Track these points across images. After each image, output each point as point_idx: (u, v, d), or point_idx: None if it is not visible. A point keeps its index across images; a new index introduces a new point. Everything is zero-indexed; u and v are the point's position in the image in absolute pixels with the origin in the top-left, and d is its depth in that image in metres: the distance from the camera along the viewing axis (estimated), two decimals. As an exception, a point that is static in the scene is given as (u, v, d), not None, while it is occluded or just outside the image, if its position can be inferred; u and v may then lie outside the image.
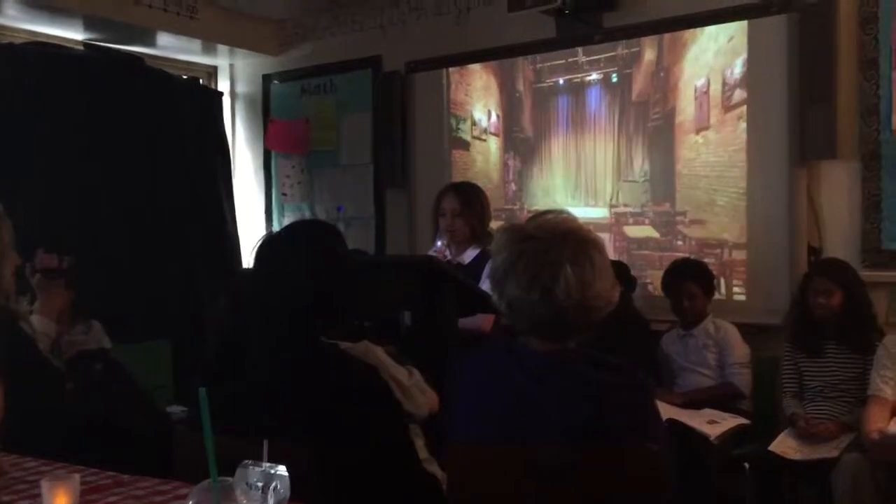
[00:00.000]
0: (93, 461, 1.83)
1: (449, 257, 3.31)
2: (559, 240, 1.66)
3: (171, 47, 5.14)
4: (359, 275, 2.07)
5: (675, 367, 3.74)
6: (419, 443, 2.21)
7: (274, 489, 1.17)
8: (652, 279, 4.15)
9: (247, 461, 1.20)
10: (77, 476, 1.47)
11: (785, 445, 3.19)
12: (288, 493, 1.20)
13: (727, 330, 3.65)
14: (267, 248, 1.89)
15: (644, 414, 1.67)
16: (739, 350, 3.62)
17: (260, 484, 1.18)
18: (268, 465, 1.20)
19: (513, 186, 4.59)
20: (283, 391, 1.77)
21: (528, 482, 1.63)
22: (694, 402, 3.51)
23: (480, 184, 4.25)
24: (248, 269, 1.94)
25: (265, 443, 1.25)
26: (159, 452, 2.08)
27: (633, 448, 1.62)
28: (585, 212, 4.35)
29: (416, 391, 2.10)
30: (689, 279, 3.69)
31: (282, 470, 1.19)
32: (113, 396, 2.36)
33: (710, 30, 3.95)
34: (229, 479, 1.17)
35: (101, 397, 2.33)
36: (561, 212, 1.75)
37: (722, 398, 3.55)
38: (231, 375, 1.87)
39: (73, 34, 4.75)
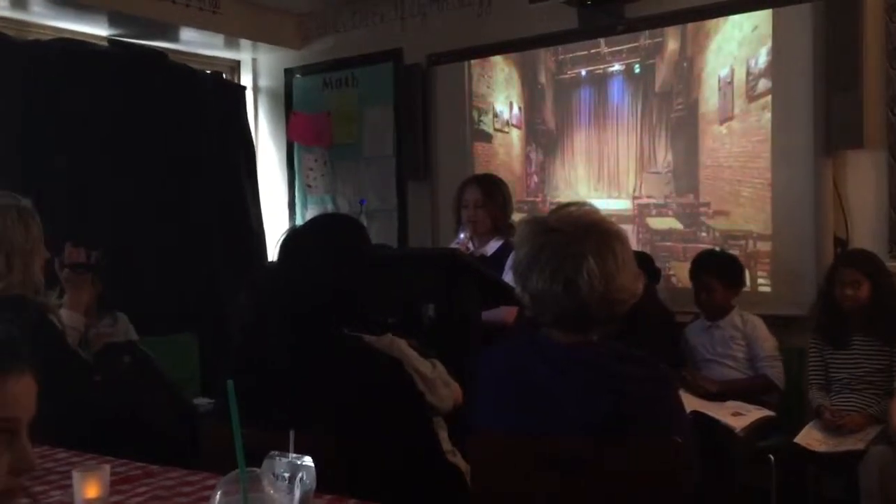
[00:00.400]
0: (121, 452, 1.86)
1: (472, 249, 3.32)
2: (582, 232, 1.66)
3: (195, 42, 5.18)
4: (381, 269, 2.08)
5: (699, 358, 3.71)
6: (443, 434, 2.22)
7: (300, 480, 1.19)
8: (675, 271, 4.13)
9: (274, 452, 1.22)
10: (107, 467, 1.50)
11: (810, 437, 3.17)
12: (314, 484, 1.21)
13: (755, 324, 3.61)
14: (290, 242, 1.91)
15: (667, 406, 1.67)
16: (769, 343, 3.58)
17: (287, 475, 1.19)
18: (294, 455, 1.21)
19: (535, 178, 4.58)
20: (308, 384, 1.79)
21: (551, 475, 1.64)
22: (729, 391, 3.49)
23: (503, 176, 4.25)
24: (271, 264, 1.96)
25: (291, 434, 1.26)
26: (186, 444, 2.11)
27: (657, 440, 1.62)
28: (608, 203, 4.34)
29: (440, 383, 2.10)
30: (709, 272, 3.65)
31: (308, 461, 1.20)
32: (140, 388, 2.40)
33: (734, 19, 3.92)
34: (256, 469, 1.18)
35: (129, 389, 2.36)
36: (583, 204, 1.75)
37: (756, 390, 3.53)
38: (256, 368, 1.89)
39: (97, 30, 4.80)
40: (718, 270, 3.65)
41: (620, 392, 1.64)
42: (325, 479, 1.67)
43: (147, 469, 1.73)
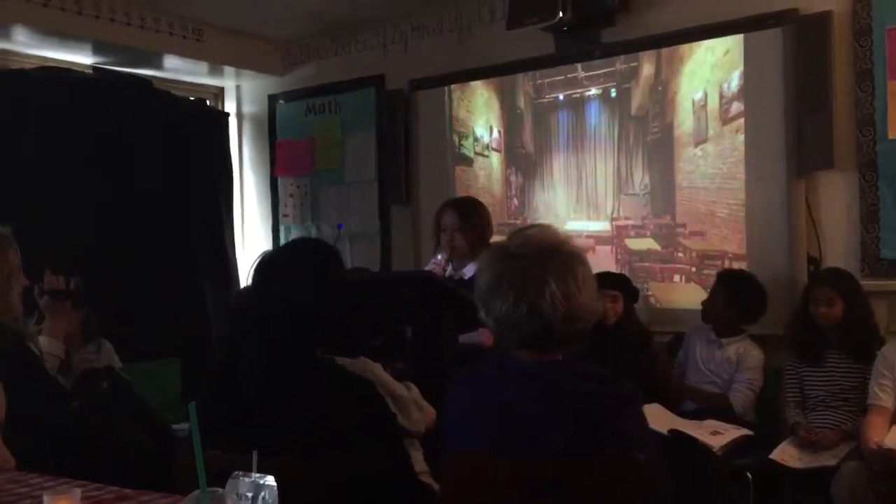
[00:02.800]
0: (99, 477, 1.88)
1: (449, 272, 3.36)
2: (542, 256, 1.70)
3: (179, 69, 5.24)
4: (355, 291, 2.12)
5: (692, 365, 3.77)
6: (417, 455, 2.25)
7: (262, 499, 1.22)
8: (654, 291, 4.18)
9: (237, 472, 1.25)
10: (78, 490, 1.52)
11: (785, 454, 3.21)
12: (276, 503, 1.24)
13: (751, 351, 3.65)
14: (263, 266, 1.95)
15: (630, 424, 1.70)
16: (752, 371, 3.62)
17: (249, 494, 1.22)
18: (257, 475, 1.24)
19: (515, 201, 4.64)
20: (279, 405, 1.82)
21: (517, 494, 1.67)
22: (691, 397, 3.67)
23: (483, 199, 4.31)
24: (246, 288, 2.00)
25: (254, 454, 1.30)
26: (163, 468, 2.13)
27: (619, 458, 1.66)
28: (587, 225, 4.40)
29: (413, 407, 2.14)
30: (719, 282, 3.70)
31: (270, 480, 1.23)
32: (118, 414, 2.42)
33: (707, 44, 4.00)
34: (219, 489, 1.21)
35: (107, 415, 2.38)
36: (543, 226, 1.79)
37: (713, 407, 3.59)
38: (231, 391, 1.92)
39: (82, 58, 4.85)
40: (727, 283, 3.69)
41: (584, 410, 1.67)
42: (296, 500, 1.70)
43: (120, 493, 1.75)
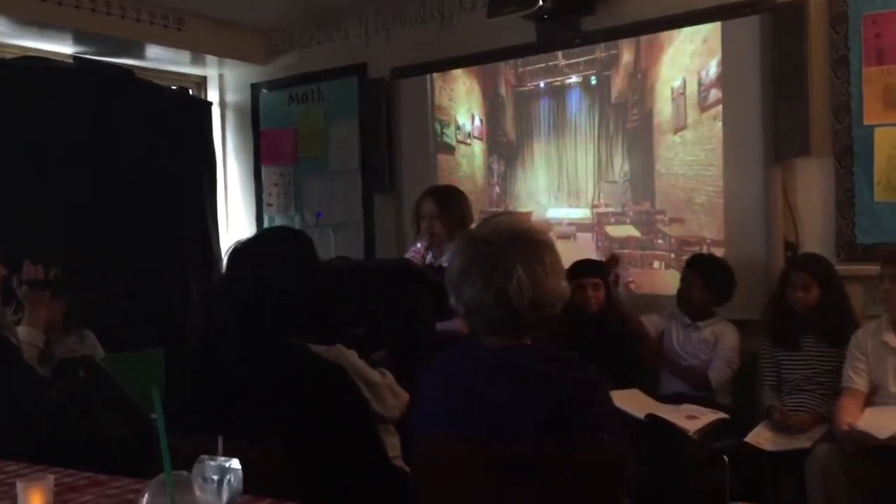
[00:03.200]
0: (76, 466, 1.91)
1: (429, 259, 3.38)
2: (510, 242, 1.73)
3: (161, 59, 5.23)
4: (330, 278, 2.14)
5: (670, 350, 3.81)
6: (393, 441, 2.28)
7: (228, 482, 1.24)
8: (634, 277, 4.22)
9: (203, 456, 1.27)
10: (51, 477, 1.54)
11: (760, 437, 3.25)
12: (241, 486, 1.27)
13: (728, 330, 3.71)
14: (237, 253, 1.97)
15: (596, 407, 1.73)
16: (729, 349, 3.68)
17: (215, 477, 1.25)
18: (222, 459, 1.27)
19: (497, 189, 4.66)
20: (253, 392, 1.84)
21: (486, 477, 1.69)
22: (667, 367, 3.74)
23: (465, 187, 4.33)
24: (220, 275, 2.02)
25: (220, 438, 1.32)
26: (141, 456, 2.15)
27: (586, 441, 1.69)
28: (569, 212, 4.43)
29: (388, 392, 2.16)
30: (693, 268, 3.74)
31: (235, 464, 1.26)
32: (95, 402, 2.44)
33: (686, 31, 4.02)
34: (184, 472, 1.24)
35: (84, 403, 2.40)
36: (513, 213, 1.82)
37: (689, 379, 3.67)
38: (206, 377, 1.94)
39: (62, 48, 4.83)
40: (702, 268, 3.73)
41: (551, 393, 1.71)
42: (270, 484, 1.73)
43: (94, 478, 1.78)
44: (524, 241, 1.74)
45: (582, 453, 1.69)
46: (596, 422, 1.71)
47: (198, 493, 1.21)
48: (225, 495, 1.24)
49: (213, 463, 1.26)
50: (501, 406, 1.69)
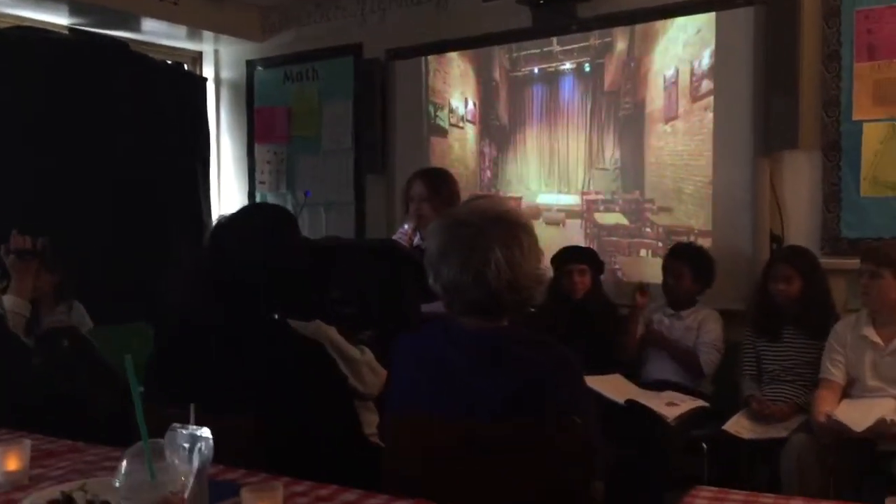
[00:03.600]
0: (59, 433, 1.93)
1: (417, 241, 3.40)
2: (489, 224, 1.75)
3: (156, 32, 5.22)
4: (314, 256, 2.17)
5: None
6: (371, 418, 2.32)
7: (199, 450, 1.27)
8: (621, 265, 4.25)
9: (175, 424, 1.30)
10: (28, 441, 1.57)
11: (739, 425, 3.29)
12: (211, 454, 1.29)
13: (712, 316, 3.75)
14: (220, 229, 1.98)
15: (567, 388, 1.76)
16: (714, 333, 3.72)
17: (187, 445, 1.27)
18: (193, 427, 1.29)
19: (488, 173, 4.68)
20: (232, 367, 1.87)
21: (459, 455, 1.72)
22: (660, 344, 3.73)
23: (457, 170, 4.36)
24: (202, 250, 2.04)
25: (192, 406, 1.35)
26: (123, 426, 2.17)
27: (558, 421, 1.71)
28: (558, 198, 4.45)
29: (366, 369, 2.19)
30: (681, 259, 3.77)
31: (205, 432, 1.28)
32: (78, 371, 2.46)
33: (680, 21, 4.03)
34: (160, 440, 1.26)
35: (67, 372, 2.43)
36: (492, 196, 1.84)
37: (683, 361, 3.69)
38: (184, 349, 1.97)
39: (58, 19, 4.83)
40: (689, 258, 3.77)
41: (526, 375, 1.73)
42: (247, 456, 1.76)
43: (73, 445, 1.81)
44: (503, 224, 1.76)
45: (552, 433, 1.72)
46: (567, 402, 1.74)
47: (172, 459, 1.23)
48: (196, 462, 1.26)
49: (184, 431, 1.29)
50: (475, 385, 1.71)
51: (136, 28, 5.08)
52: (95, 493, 1.41)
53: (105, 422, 2.38)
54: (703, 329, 3.73)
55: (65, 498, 1.39)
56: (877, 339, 3.10)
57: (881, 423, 2.84)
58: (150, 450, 1.25)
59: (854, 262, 3.34)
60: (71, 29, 4.91)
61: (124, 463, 1.24)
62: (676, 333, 3.78)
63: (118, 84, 4.79)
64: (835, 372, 3.16)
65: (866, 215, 3.63)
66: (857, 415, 2.94)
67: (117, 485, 1.22)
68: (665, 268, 3.82)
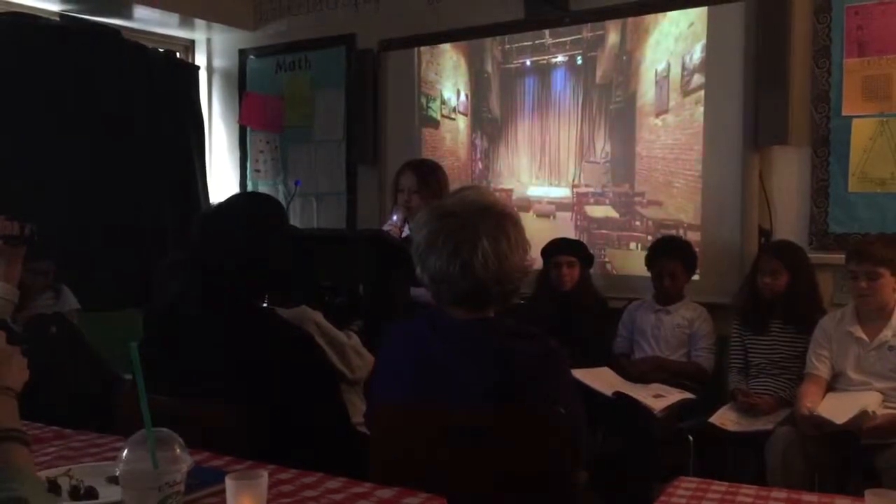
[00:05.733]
0: (45, 419, 1.94)
1: (405, 232, 3.40)
2: (476, 215, 1.76)
3: (149, 20, 5.20)
4: (299, 244, 2.17)
5: (641, 337, 3.85)
6: (360, 405, 2.33)
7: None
8: (611, 258, 4.26)
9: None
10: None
11: (724, 417, 3.32)
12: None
13: (703, 315, 3.77)
14: (208, 217, 1.99)
15: (553, 380, 1.77)
16: (709, 337, 3.74)
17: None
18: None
19: (479, 165, 4.69)
20: (219, 354, 1.87)
21: (443, 443, 1.74)
22: (662, 369, 3.68)
23: (448, 162, 4.37)
24: (191, 238, 2.04)
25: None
26: (108, 413, 2.18)
27: (541, 411, 1.73)
28: (549, 191, 4.46)
29: (353, 354, 2.20)
30: (673, 256, 3.78)
31: None
32: (66, 358, 2.46)
33: (672, 15, 4.04)
34: (164, 429, 1.26)
35: (54, 359, 2.43)
36: (479, 187, 1.85)
37: (688, 374, 3.69)
38: (172, 337, 1.97)
39: (49, 5, 4.80)
40: (682, 255, 3.78)
41: (511, 366, 1.75)
42: (234, 444, 1.77)
43: (59, 432, 1.81)
44: (490, 215, 1.77)
45: (537, 423, 1.73)
46: (552, 393, 1.75)
47: (178, 450, 1.24)
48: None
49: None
50: (461, 376, 1.73)
51: (127, 15, 5.06)
52: (80, 479, 1.41)
53: (91, 407, 2.39)
54: (696, 332, 3.75)
55: (50, 483, 1.40)
56: (862, 335, 3.12)
57: (863, 414, 2.86)
58: (155, 437, 1.25)
59: (841, 257, 3.35)
60: (62, 15, 4.88)
61: (126, 451, 1.24)
62: (664, 330, 3.79)
63: (110, 71, 4.78)
64: (820, 367, 3.18)
65: (854, 211, 3.65)
66: (841, 407, 2.96)
67: (118, 472, 1.22)
68: (656, 266, 3.81)
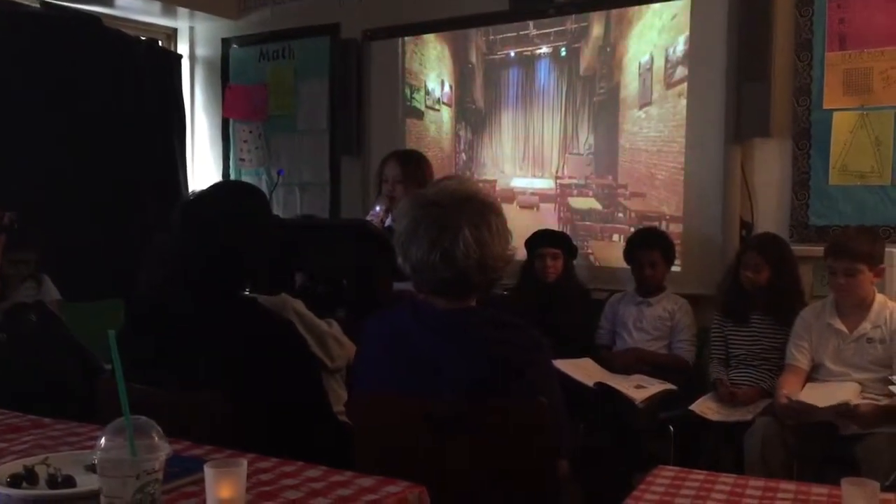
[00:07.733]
0: (27, 408, 1.92)
1: (388, 223, 3.40)
2: (458, 204, 1.76)
3: (131, 8, 5.15)
4: (285, 234, 2.17)
5: (623, 329, 3.87)
6: (341, 394, 2.32)
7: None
8: (594, 249, 4.27)
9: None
10: (-11, 415, 1.56)
11: (705, 406, 3.34)
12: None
13: (686, 310, 3.79)
14: (189, 207, 1.98)
15: (535, 370, 1.78)
16: (690, 330, 3.77)
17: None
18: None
19: (463, 156, 4.68)
20: (198, 341, 1.87)
21: (425, 433, 1.74)
22: (644, 362, 3.70)
23: (432, 153, 4.36)
24: (172, 227, 2.02)
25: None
26: (88, 401, 2.17)
27: (523, 401, 1.73)
28: (533, 182, 4.47)
29: (333, 342, 2.20)
30: (653, 247, 3.79)
31: None
32: (46, 346, 2.45)
33: (655, 7, 4.05)
34: (142, 417, 1.25)
35: (34, 347, 2.41)
36: (461, 177, 1.85)
37: (670, 366, 3.72)
38: (154, 328, 1.96)
39: (30, -8, 4.75)
40: (661, 246, 3.80)
41: (493, 355, 1.75)
42: (216, 433, 1.76)
43: (37, 421, 1.80)
44: (472, 204, 1.77)
45: (519, 413, 1.74)
46: (534, 384, 1.76)
47: (157, 438, 1.23)
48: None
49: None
50: (442, 365, 1.73)
51: (109, 3, 5.01)
52: (58, 468, 1.40)
53: (71, 396, 2.38)
54: (678, 325, 3.77)
55: (27, 472, 1.39)
56: (841, 327, 3.15)
57: (844, 405, 2.89)
58: (133, 425, 1.24)
59: (821, 250, 3.37)
60: (43, 3, 4.83)
61: (104, 439, 1.23)
62: (646, 321, 3.81)
63: (91, 59, 4.73)
64: (799, 358, 3.21)
65: (834, 203, 3.68)
66: (821, 397, 2.99)
67: (96, 460, 1.21)
68: (636, 258, 3.82)
